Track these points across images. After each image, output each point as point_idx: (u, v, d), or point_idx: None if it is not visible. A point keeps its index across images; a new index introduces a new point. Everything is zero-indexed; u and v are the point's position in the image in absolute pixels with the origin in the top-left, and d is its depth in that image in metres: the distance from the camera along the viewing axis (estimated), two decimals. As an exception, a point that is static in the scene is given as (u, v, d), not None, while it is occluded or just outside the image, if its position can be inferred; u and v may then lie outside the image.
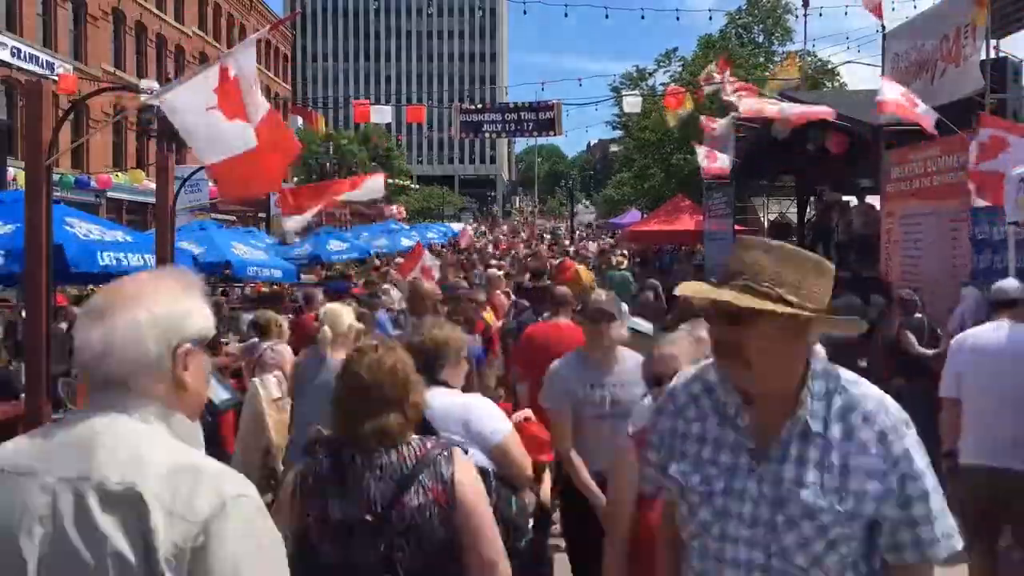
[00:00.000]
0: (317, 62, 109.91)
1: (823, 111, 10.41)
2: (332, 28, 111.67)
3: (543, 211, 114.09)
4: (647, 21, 24.62)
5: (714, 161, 14.81)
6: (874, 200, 12.70)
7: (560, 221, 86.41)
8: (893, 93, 8.12)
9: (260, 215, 29.67)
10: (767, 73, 24.67)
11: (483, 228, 62.58)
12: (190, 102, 4.68)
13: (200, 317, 1.56)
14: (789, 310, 1.68)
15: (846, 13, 21.24)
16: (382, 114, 17.93)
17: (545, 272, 10.44)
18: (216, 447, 5.08)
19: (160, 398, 1.49)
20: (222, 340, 9.71)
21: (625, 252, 21.72)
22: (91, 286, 13.40)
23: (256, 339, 7.01)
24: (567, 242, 36.85)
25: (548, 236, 47.81)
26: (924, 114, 8.07)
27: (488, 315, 8.12)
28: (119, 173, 28.86)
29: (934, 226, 9.15)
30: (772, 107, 11.14)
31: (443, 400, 2.93)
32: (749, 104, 11.47)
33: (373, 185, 11.18)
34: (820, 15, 45.15)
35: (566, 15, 23.28)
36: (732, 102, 12.90)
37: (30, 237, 4.62)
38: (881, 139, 10.28)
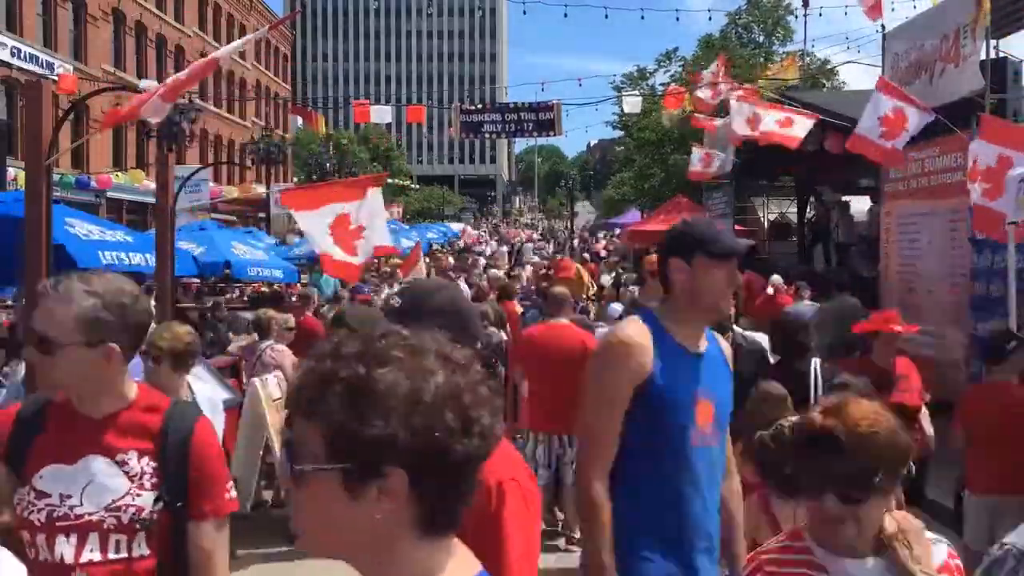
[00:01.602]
0: (317, 62, 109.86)
1: (793, 136, 10.56)
2: (332, 28, 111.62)
3: (543, 210, 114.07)
4: (647, 21, 24.60)
5: (707, 165, 14.79)
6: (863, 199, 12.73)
7: (560, 221, 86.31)
8: (869, 127, 7.94)
9: (260, 215, 29.67)
10: (767, 73, 24.64)
11: (483, 229, 62.55)
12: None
13: None
14: None
15: (846, 13, 21.20)
16: (382, 114, 17.89)
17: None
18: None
19: None
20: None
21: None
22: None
23: (256, 338, 7.02)
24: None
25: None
26: (910, 131, 7.89)
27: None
28: (119, 173, 28.85)
29: (933, 226, 9.16)
30: (763, 115, 11.13)
31: None
32: (740, 125, 11.51)
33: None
34: (820, 15, 45.21)
35: (566, 15, 23.21)
36: (729, 103, 12.91)
37: (30, 237, 4.63)
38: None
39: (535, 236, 55.63)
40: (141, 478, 1.98)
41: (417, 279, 10.34)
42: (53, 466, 1.96)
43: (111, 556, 1.95)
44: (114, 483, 1.96)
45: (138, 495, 1.97)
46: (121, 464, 1.98)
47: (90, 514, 1.94)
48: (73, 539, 1.93)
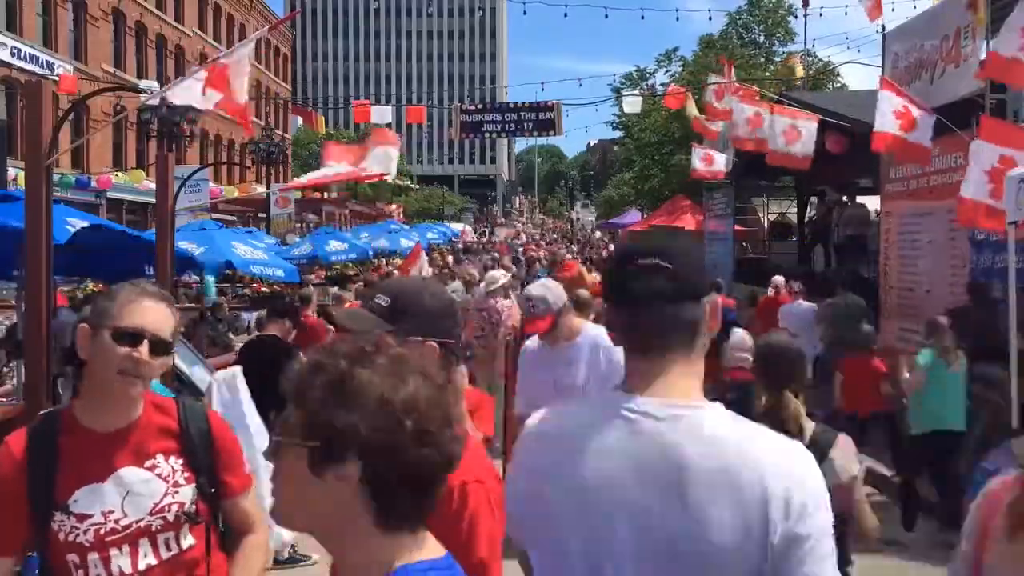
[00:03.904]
0: (317, 62, 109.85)
1: (803, 155, 10.63)
2: (332, 28, 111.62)
3: (545, 211, 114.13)
4: (647, 21, 24.59)
5: (709, 164, 14.77)
6: (869, 199, 12.69)
7: (560, 221, 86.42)
8: (887, 123, 8.04)
9: (260, 215, 29.67)
10: (767, 73, 24.65)
11: (483, 229, 62.52)
12: (189, 91, 5.48)
13: None
14: None
15: (846, 13, 21.17)
16: (382, 114, 17.83)
17: None
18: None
19: None
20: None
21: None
22: (90, 283, 13.48)
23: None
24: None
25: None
26: (922, 128, 7.99)
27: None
28: (119, 173, 28.87)
29: (933, 226, 9.15)
30: (765, 117, 11.13)
31: None
32: (742, 127, 11.45)
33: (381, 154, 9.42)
34: (820, 15, 45.07)
35: (566, 15, 23.25)
36: (728, 108, 12.84)
37: (30, 237, 4.62)
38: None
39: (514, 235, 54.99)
40: (174, 476, 2.06)
41: (401, 278, 10.33)
42: (85, 487, 1.98)
43: (164, 556, 2.03)
44: (151, 488, 2.03)
45: (176, 492, 2.05)
46: (151, 468, 2.05)
47: (137, 522, 2.00)
48: (126, 550, 1.99)
